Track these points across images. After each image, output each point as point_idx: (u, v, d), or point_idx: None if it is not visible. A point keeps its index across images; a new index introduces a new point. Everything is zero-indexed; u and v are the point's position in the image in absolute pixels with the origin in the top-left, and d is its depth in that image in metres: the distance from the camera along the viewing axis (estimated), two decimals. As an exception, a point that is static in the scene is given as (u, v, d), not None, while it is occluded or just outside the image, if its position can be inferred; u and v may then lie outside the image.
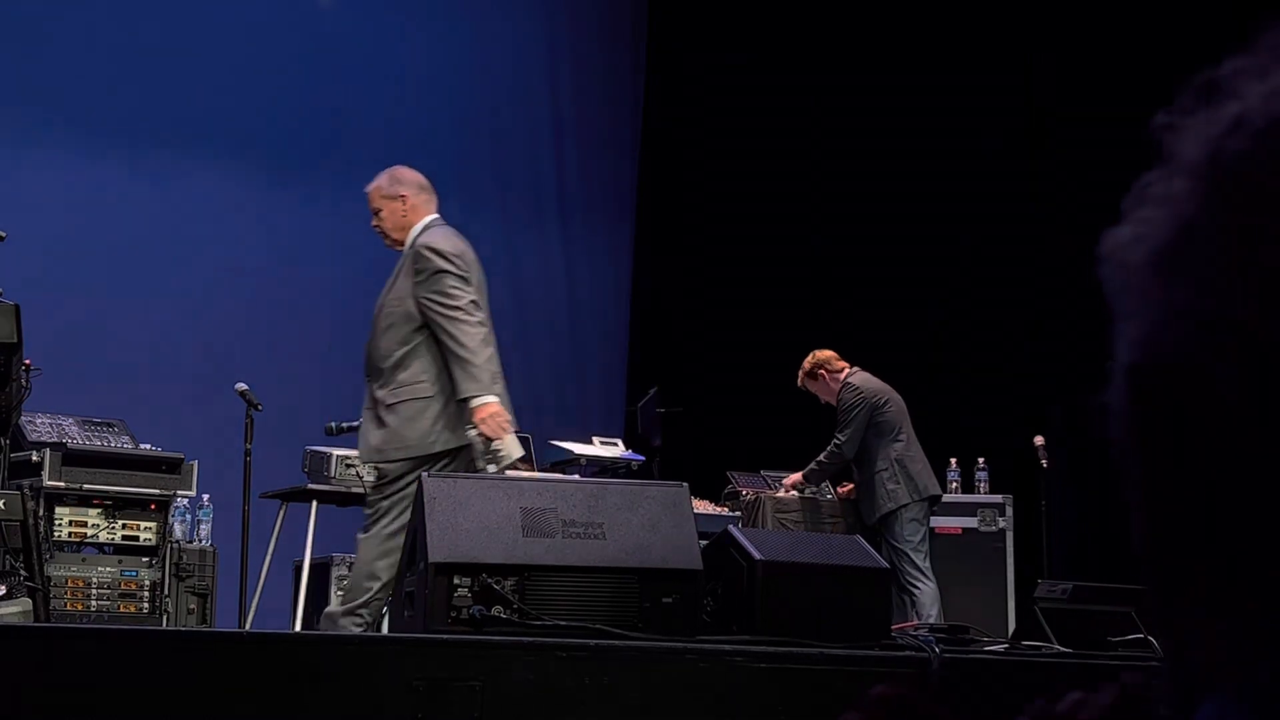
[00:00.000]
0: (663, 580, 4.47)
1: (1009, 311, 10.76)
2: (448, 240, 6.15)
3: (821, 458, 8.58)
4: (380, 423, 5.94)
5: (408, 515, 5.43)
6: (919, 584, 8.24)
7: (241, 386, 7.73)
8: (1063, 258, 10.35)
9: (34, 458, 7.20)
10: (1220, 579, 0.65)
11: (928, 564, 8.40)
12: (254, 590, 7.65)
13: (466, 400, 5.79)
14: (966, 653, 4.55)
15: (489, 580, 4.27)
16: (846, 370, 8.75)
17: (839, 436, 8.50)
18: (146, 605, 7.32)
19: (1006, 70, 11.04)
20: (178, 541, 7.52)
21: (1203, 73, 0.70)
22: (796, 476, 8.71)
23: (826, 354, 8.88)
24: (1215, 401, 0.63)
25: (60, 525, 7.21)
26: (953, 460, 9.31)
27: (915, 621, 7.14)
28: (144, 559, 7.38)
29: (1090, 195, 10.04)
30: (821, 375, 8.81)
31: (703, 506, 8.18)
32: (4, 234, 6.06)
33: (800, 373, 8.91)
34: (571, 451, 8.26)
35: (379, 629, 6.14)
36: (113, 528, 7.31)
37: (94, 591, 7.19)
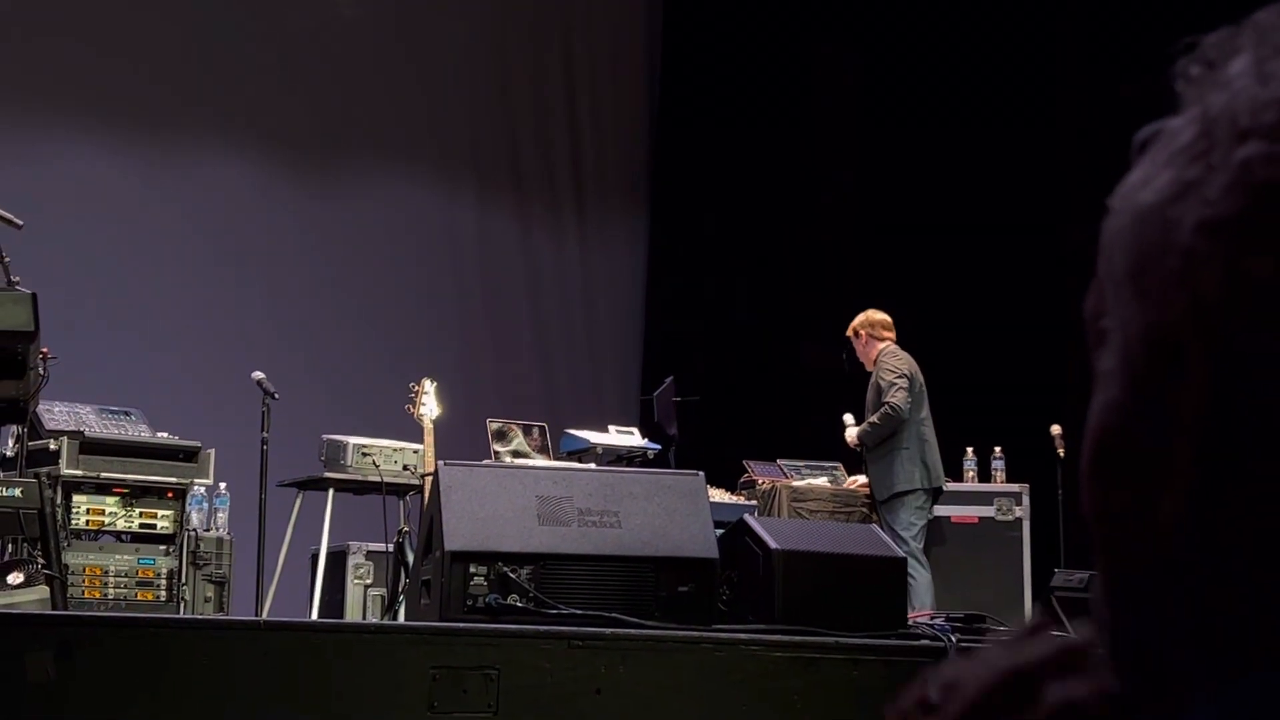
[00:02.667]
0: (678, 569, 4.47)
1: (1025, 299, 10.74)
2: None
3: (875, 419, 8.50)
4: None
5: None
6: (915, 573, 8.22)
7: (258, 375, 7.74)
8: (1077, 244, 10.33)
9: (51, 446, 7.22)
10: (1254, 560, 0.64)
11: (922, 553, 8.43)
12: (271, 578, 7.66)
13: None
14: (983, 642, 4.54)
15: (505, 568, 4.28)
16: (888, 343, 8.72)
17: (892, 399, 8.43)
18: (163, 593, 7.33)
19: (1030, 56, 11.00)
20: (195, 530, 7.53)
21: (1233, 28, 0.68)
22: (853, 435, 8.65)
23: (879, 317, 8.81)
24: None
25: (78, 513, 7.22)
26: (969, 449, 9.30)
27: (930, 611, 7.15)
28: (161, 547, 7.39)
29: (1108, 183, 10.01)
30: (862, 336, 8.78)
31: (719, 495, 8.17)
32: (21, 223, 6.07)
33: (851, 325, 8.88)
34: (587, 440, 8.26)
35: (395, 617, 6.15)
36: (130, 516, 7.33)
37: (111, 579, 7.20)
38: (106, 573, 7.21)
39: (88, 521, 7.26)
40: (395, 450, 7.90)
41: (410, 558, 6.65)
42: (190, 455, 7.54)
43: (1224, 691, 0.64)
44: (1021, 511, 9.01)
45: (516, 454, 8.10)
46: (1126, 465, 0.68)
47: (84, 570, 7.15)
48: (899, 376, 8.49)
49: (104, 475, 7.27)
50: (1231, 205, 0.64)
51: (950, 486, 8.85)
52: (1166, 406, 0.66)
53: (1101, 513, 0.70)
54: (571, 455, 8.22)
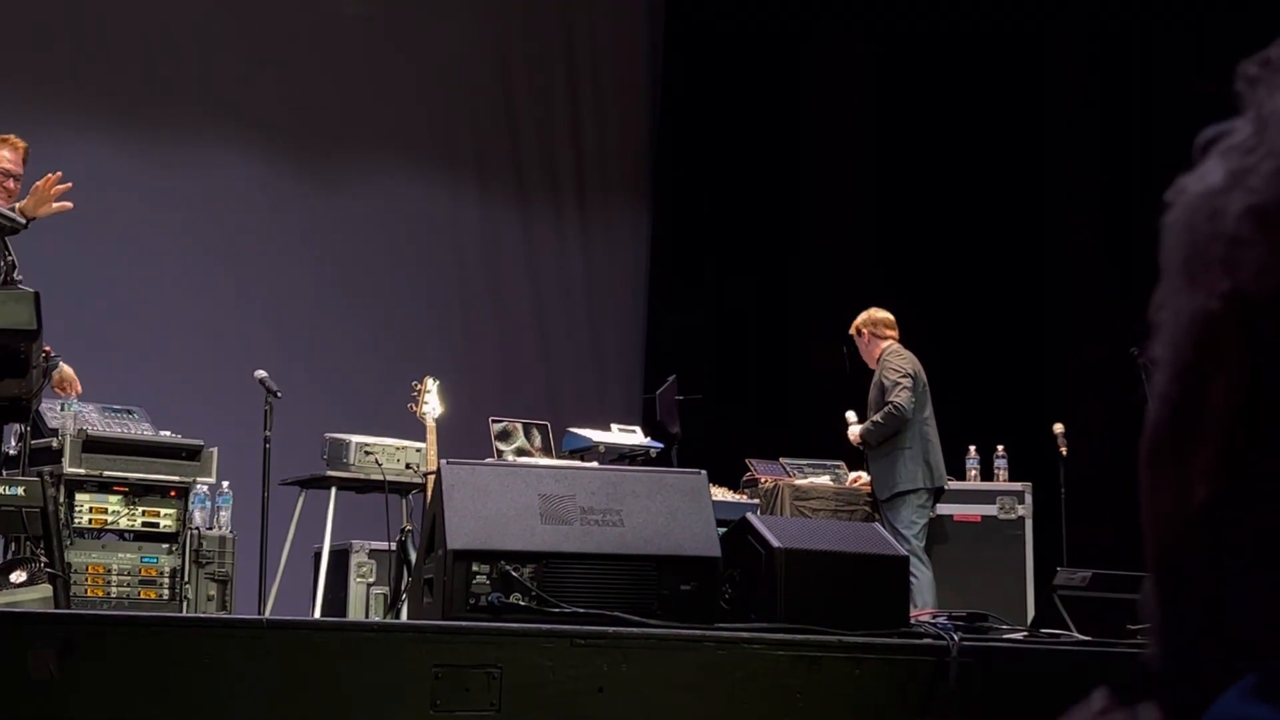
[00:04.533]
0: (681, 567, 4.47)
1: (1028, 298, 10.74)
2: None
3: (878, 418, 8.52)
4: None
5: None
6: (917, 571, 8.23)
7: (260, 374, 7.74)
8: (1082, 243, 10.33)
9: (54, 444, 7.22)
10: None
11: (924, 552, 8.44)
12: (273, 577, 7.66)
13: None
14: (985, 640, 4.54)
15: (507, 567, 4.28)
16: (891, 342, 8.74)
17: (895, 398, 8.45)
18: (166, 592, 7.33)
19: (1035, 52, 11.00)
20: (197, 528, 7.53)
21: None
22: (856, 433, 8.67)
23: (881, 316, 8.83)
24: None
25: (80, 512, 7.22)
26: (972, 448, 9.30)
27: (933, 609, 7.15)
28: (164, 545, 7.39)
29: (1117, 181, 10.01)
30: (865, 335, 8.80)
31: (721, 494, 8.17)
32: (24, 221, 6.07)
33: (854, 323, 8.91)
34: (590, 439, 8.27)
35: (398, 616, 6.14)
36: (133, 514, 7.33)
37: (114, 578, 7.21)
38: (109, 571, 7.21)
39: (90, 520, 7.26)
40: (398, 449, 7.90)
41: (412, 556, 6.65)
42: (193, 454, 7.54)
43: (1248, 679, 0.64)
44: (1024, 510, 9.02)
45: (519, 453, 8.11)
46: (1168, 457, 0.69)
47: (87, 569, 7.15)
48: (903, 376, 8.50)
49: (107, 474, 7.27)
50: (1276, 192, 0.64)
51: (953, 485, 8.86)
52: (1204, 396, 0.66)
53: (1148, 505, 0.70)
54: (574, 454, 8.22)
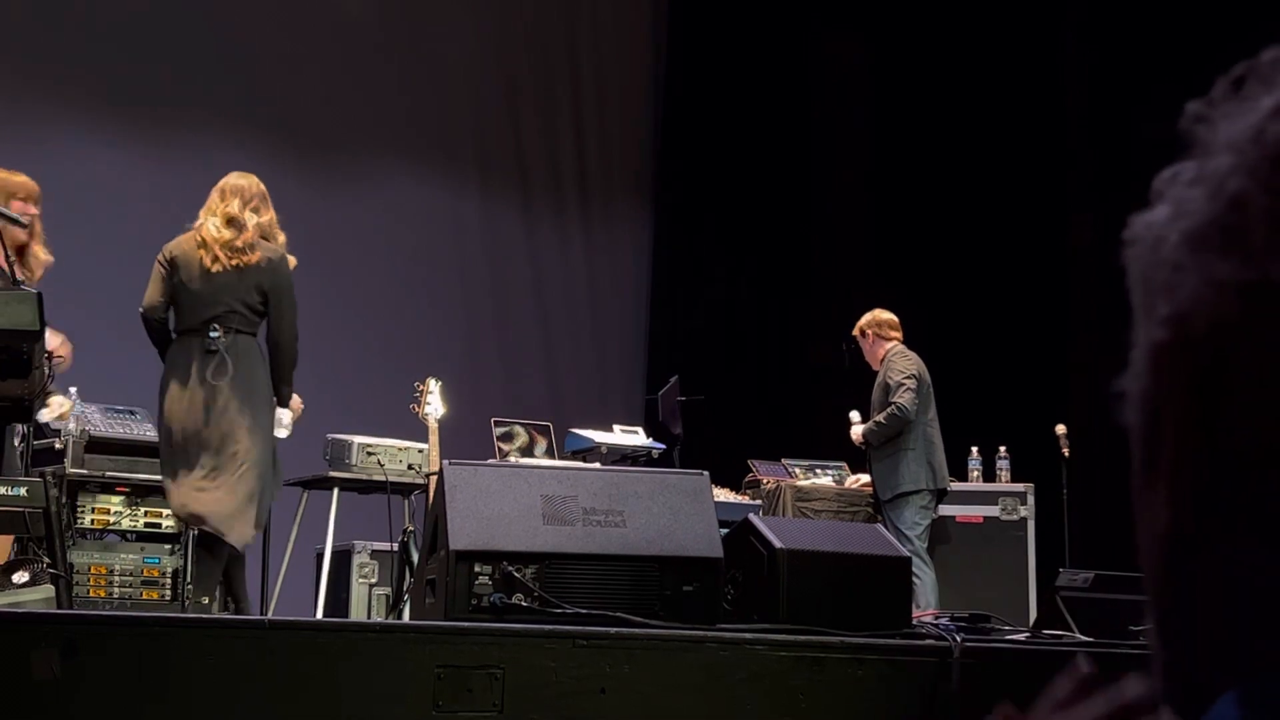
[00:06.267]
0: (683, 568, 4.47)
1: (1030, 299, 10.74)
2: None
3: (881, 418, 8.53)
4: None
5: None
6: (920, 572, 8.24)
7: (263, 374, 7.73)
8: (1085, 244, 10.33)
9: (57, 445, 7.22)
10: (1252, 557, 0.65)
11: (926, 553, 8.45)
12: (276, 577, 7.67)
13: None
14: (987, 641, 4.54)
15: (510, 568, 4.28)
16: (895, 342, 8.75)
17: (899, 399, 8.46)
18: (168, 592, 7.34)
19: (1034, 54, 11.00)
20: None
21: (1236, 67, 0.71)
22: (858, 433, 8.67)
23: (885, 317, 8.84)
24: (1260, 366, 0.64)
25: (83, 512, 7.23)
26: (974, 449, 9.30)
27: (935, 610, 7.15)
28: (166, 546, 7.40)
29: (1116, 181, 10.01)
30: (869, 336, 8.81)
31: (723, 494, 8.18)
32: (26, 221, 6.08)
33: (857, 324, 8.93)
34: (592, 440, 8.27)
35: (400, 616, 6.14)
36: (135, 515, 7.33)
37: (116, 579, 7.21)
38: (111, 572, 7.21)
39: (93, 520, 7.26)
40: (400, 449, 7.90)
41: (415, 557, 6.65)
42: (195, 454, 7.53)
43: (1230, 694, 0.65)
44: (1026, 511, 9.02)
45: (522, 453, 8.11)
46: (1142, 486, 0.70)
47: (89, 569, 7.15)
48: (908, 377, 8.51)
49: (109, 474, 7.27)
50: (1205, 215, 0.66)
51: (955, 486, 8.86)
52: (1160, 425, 0.68)
53: (1139, 528, 0.72)
54: (576, 455, 8.22)
